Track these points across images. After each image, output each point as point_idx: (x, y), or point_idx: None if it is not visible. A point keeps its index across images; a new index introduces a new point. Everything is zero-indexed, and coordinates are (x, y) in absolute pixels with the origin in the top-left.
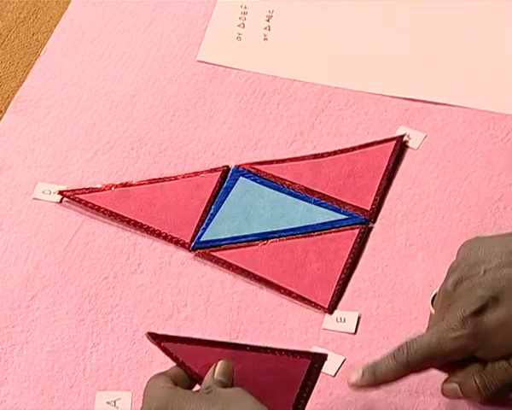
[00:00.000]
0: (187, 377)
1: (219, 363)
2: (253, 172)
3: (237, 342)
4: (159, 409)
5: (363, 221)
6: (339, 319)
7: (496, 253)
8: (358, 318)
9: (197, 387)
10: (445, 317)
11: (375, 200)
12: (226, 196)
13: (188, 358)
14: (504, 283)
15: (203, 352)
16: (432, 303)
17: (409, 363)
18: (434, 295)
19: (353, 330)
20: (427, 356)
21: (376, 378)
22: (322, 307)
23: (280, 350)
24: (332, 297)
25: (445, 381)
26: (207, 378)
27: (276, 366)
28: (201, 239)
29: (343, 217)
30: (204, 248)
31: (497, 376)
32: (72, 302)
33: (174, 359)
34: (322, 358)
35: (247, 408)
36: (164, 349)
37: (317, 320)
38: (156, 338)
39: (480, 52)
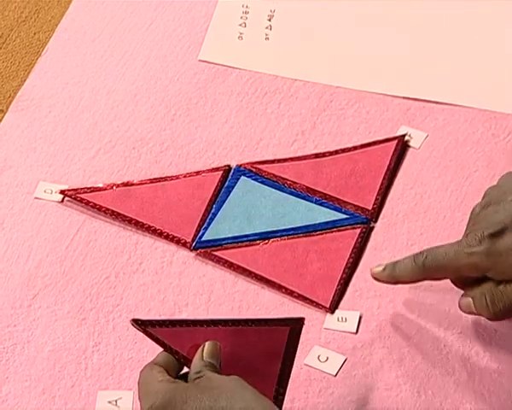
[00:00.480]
0: (176, 362)
1: (206, 344)
2: (254, 172)
3: (219, 318)
4: (162, 406)
5: (364, 221)
6: (340, 319)
7: None
8: (360, 317)
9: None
10: (467, 234)
11: (376, 199)
12: (227, 196)
13: (174, 341)
14: None
15: (188, 333)
16: None
17: (425, 268)
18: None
19: (355, 330)
20: (442, 265)
21: (395, 275)
22: (323, 306)
23: (260, 321)
24: (333, 297)
25: (462, 296)
26: (196, 361)
27: (259, 338)
28: (203, 239)
29: (344, 216)
30: (205, 248)
31: (506, 295)
32: (74, 302)
33: (161, 344)
34: (299, 322)
35: (249, 400)
36: (149, 335)
37: (319, 320)
38: (141, 324)
39: (481, 52)
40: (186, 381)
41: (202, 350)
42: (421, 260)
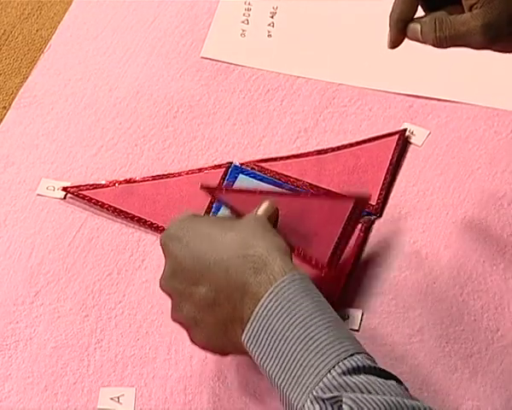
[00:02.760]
0: None
1: (263, 203)
2: (256, 170)
3: (285, 190)
4: (174, 234)
5: (365, 214)
6: (342, 316)
7: None
8: (362, 315)
9: None
10: None
11: (380, 194)
12: None
13: (241, 205)
14: None
15: (255, 199)
16: None
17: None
18: None
19: (357, 327)
20: None
21: (392, 23)
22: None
23: (325, 193)
24: (339, 294)
25: (410, 23)
26: (248, 215)
27: (320, 209)
28: None
29: None
30: None
31: (454, 25)
32: (76, 298)
33: (229, 207)
34: (364, 200)
35: (244, 228)
36: (219, 200)
37: None
38: (212, 191)
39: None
40: None
41: (258, 208)
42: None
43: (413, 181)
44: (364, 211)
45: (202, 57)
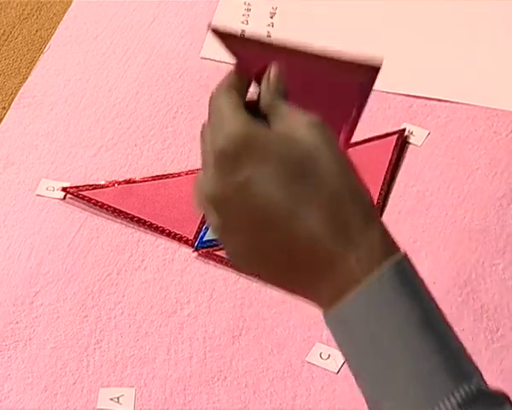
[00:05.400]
0: (246, 85)
1: (271, 77)
2: None
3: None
4: (237, 150)
5: None
6: None
7: None
8: None
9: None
10: None
11: (379, 194)
12: None
13: (249, 61)
14: None
15: (266, 58)
16: None
17: None
18: None
19: None
20: None
21: None
22: None
23: (339, 62)
24: None
25: None
26: (264, 94)
27: (333, 75)
28: (204, 239)
29: None
30: (207, 248)
31: None
32: (76, 299)
33: (235, 56)
34: (376, 68)
35: (292, 120)
36: (228, 46)
37: (321, 317)
38: (221, 35)
39: (483, 49)
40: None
41: (268, 83)
42: None
43: (412, 181)
44: None
45: (202, 57)
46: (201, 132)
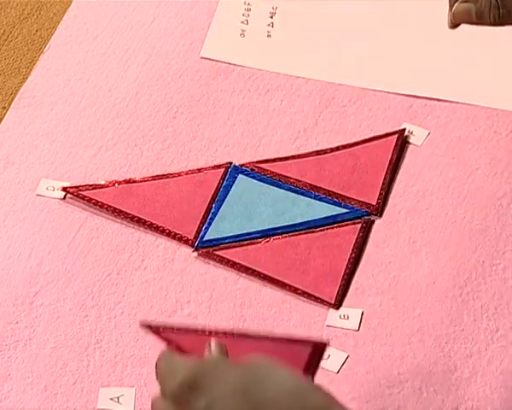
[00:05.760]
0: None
1: (212, 344)
2: (255, 171)
3: (235, 331)
4: (192, 383)
5: (364, 214)
6: (342, 316)
7: None
8: (361, 315)
9: None
10: None
11: (380, 194)
12: (226, 195)
13: (188, 348)
14: None
15: (203, 341)
16: None
17: None
18: None
19: (357, 328)
20: None
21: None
22: (328, 302)
23: (280, 339)
24: (338, 292)
25: (459, 3)
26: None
27: (276, 355)
28: (204, 238)
29: (344, 211)
30: (207, 248)
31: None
32: (76, 299)
33: (176, 349)
34: (322, 346)
35: (285, 379)
36: (164, 339)
37: (321, 317)
38: (152, 328)
39: (483, 49)
40: None
41: (210, 349)
42: None
43: (412, 181)
44: (365, 211)
45: (202, 57)
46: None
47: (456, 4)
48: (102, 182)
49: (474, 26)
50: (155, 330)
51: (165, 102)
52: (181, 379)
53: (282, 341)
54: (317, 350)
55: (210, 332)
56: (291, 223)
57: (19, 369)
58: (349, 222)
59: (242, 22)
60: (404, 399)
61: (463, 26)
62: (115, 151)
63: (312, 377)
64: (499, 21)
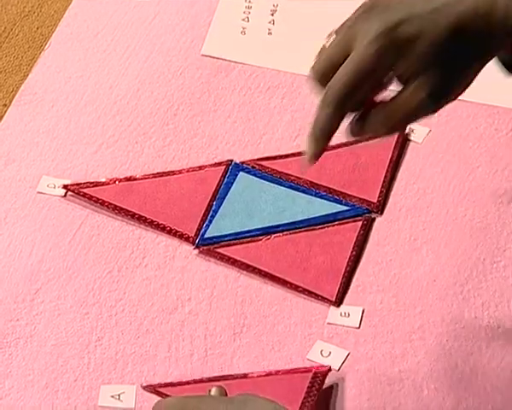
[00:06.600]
0: None
1: (212, 389)
2: (256, 168)
3: (233, 373)
4: None
5: (365, 212)
6: (343, 314)
7: None
8: (362, 312)
9: None
10: (357, 38)
11: (381, 192)
12: (227, 192)
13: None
14: (418, 11)
15: (202, 389)
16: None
17: (339, 100)
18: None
19: (357, 325)
20: (355, 82)
21: (322, 136)
22: (329, 300)
23: (277, 371)
24: (338, 290)
25: (352, 121)
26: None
27: (275, 387)
28: (205, 236)
29: (345, 208)
30: (208, 245)
31: (402, 105)
32: (77, 296)
33: None
34: (324, 373)
35: (265, 405)
36: (163, 395)
37: (322, 315)
38: (154, 387)
39: None
40: None
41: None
42: (329, 97)
43: (413, 179)
44: (366, 209)
45: (203, 55)
46: None
47: (350, 123)
48: (103, 179)
49: None
50: (155, 388)
51: (166, 100)
52: None
53: (281, 374)
54: (319, 376)
55: (209, 379)
56: (292, 220)
57: (20, 366)
58: (350, 220)
59: (243, 20)
60: (405, 396)
61: None
62: (116, 148)
63: (314, 405)
64: (392, 130)
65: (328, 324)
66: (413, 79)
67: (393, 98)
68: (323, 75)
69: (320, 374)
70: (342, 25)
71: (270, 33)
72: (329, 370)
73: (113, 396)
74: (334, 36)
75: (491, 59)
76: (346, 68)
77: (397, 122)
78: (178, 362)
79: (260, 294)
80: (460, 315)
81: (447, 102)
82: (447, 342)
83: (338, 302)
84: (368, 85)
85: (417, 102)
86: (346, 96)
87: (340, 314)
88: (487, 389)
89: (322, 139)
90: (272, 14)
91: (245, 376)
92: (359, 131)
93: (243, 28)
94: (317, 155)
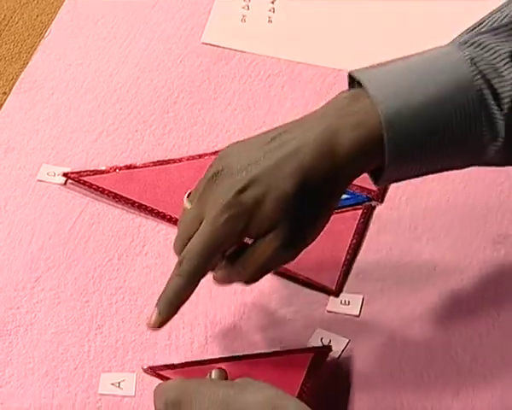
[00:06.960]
0: None
1: (213, 371)
2: None
3: (234, 354)
4: (175, 401)
5: (365, 200)
6: (343, 302)
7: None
8: (362, 300)
9: None
10: (207, 207)
11: None
12: None
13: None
14: (261, 170)
15: (203, 371)
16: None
17: (192, 271)
18: (189, 194)
19: (357, 313)
20: (207, 252)
21: (171, 306)
22: (329, 288)
23: (277, 352)
24: (338, 279)
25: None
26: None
27: (276, 369)
28: None
29: (345, 196)
30: None
31: (257, 254)
32: (77, 284)
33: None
34: (325, 351)
35: (264, 389)
36: (164, 378)
37: (322, 303)
38: (154, 370)
39: None
40: None
41: (210, 377)
42: (184, 268)
43: None
44: (366, 197)
45: (203, 43)
46: None
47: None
48: (103, 167)
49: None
50: (156, 371)
51: (166, 88)
52: (165, 399)
53: (280, 354)
54: (319, 356)
55: (210, 361)
56: None
57: (20, 354)
58: (350, 208)
59: (243, 7)
60: (405, 384)
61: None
62: (116, 136)
63: (313, 386)
64: (252, 279)
65: (328, 312)
66: (265, 235)
67: (250, 247)
68: (184, 248)
69: (320, 355)
70: (195, 189)
71: (270, 21)
72: (330, 350)
73: (113, 384)
74: (188, 203)
75: (341, 196)
76: (197, 239)
77: (256, 270)
78: (178, 350)
79: (260, 282)
80: (460, 303)
81: (305, 246)
82: (447, 331)
83: (338, 291)
84: (221, 251)
85: (272, 253)
86: (199, 267)
87: (341, 302)
88: (487, 377)
89: (173, 307)
90: (272, 2)
91: (246, 356)
92: (221, 282)
93: (243, 16)
94: (164, 323)
